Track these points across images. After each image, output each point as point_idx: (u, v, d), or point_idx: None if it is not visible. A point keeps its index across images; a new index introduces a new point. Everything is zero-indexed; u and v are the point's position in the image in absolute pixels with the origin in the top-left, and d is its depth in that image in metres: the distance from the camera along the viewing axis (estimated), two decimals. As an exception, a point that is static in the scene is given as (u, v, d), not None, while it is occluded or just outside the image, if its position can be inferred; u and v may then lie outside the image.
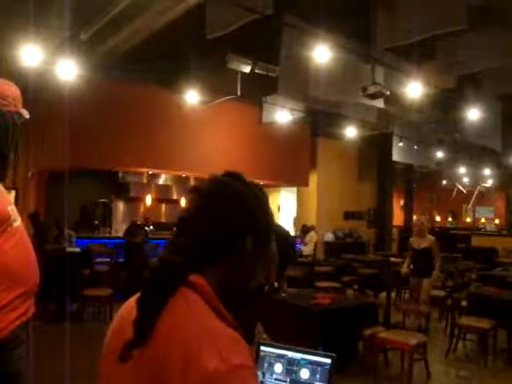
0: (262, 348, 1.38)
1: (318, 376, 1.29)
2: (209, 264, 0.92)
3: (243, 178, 1.00)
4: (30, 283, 1.82)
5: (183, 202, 12.29)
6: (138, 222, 10.06)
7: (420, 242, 6.69)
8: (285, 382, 1.33)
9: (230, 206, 0.93)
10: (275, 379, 1.34)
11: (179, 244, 0.92)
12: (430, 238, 6.73)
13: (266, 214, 0.99)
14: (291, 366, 1.33)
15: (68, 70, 7.18)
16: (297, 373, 1.32)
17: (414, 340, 4.81)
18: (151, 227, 11.64)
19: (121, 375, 0.88)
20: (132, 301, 0.98)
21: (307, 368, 1.31)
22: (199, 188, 0.98)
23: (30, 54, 6.40)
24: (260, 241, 0.96)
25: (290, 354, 1.35)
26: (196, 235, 0.92)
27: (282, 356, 1.35)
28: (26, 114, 1.91)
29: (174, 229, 0.97)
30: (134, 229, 9.25)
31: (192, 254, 0.90)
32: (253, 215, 0.95)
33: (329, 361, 1.29)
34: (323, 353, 1.31)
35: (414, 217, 18.40)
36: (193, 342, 0.81)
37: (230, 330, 0.85)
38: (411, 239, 6.91)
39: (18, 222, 1.83)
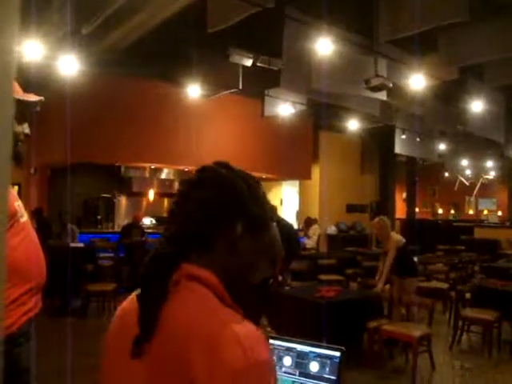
0: (271, 341, 1.38)
1: (327, 369, 1.29)
2: (203, 252, 0.91)
3: (230, 165, 1.00)
4: (37, 279, 1.82)
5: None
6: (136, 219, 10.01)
7: (386, 246, 6.20)
8: (294, 374, 1.33)
9: (216, 190, 0.94)
10: (284, 372, 1.34)
11: (170, 234, 0.93)
12: (393, 238, 6.13)
13: (256, 198, 0.98)
14: (300, 359, 1.33)
15: (69, 65, 7.17)
16: (306, 366, 1.32)
17: (418, 332, 4.82)
18: (153, 221, 11.66)
19: (131, 372, 0.87)
20: (133, 296, 0.98)
21: (316, 361, 1.31)
22: (187, 179, 0.99)
23: (31, 49, 6.39)
24: (252, 225, 0.95)
25: (299, 347, 1.34)
26: (184, 222, 0.92)
27: (291, 349, 1.35)
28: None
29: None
30: (128, 230, 9.27)
31: (182, 242, 0.91)
32: (240, 198, 0.95)
33: (338, 354, 1.29)
34: (332, 346, 1.31)
35: (417, 209, 18.43)
36: (212, 336, 0.80)
37: (247, 322, 0.85)
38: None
39: (24, 218, 1.83)
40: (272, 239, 1.00)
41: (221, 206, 0.93)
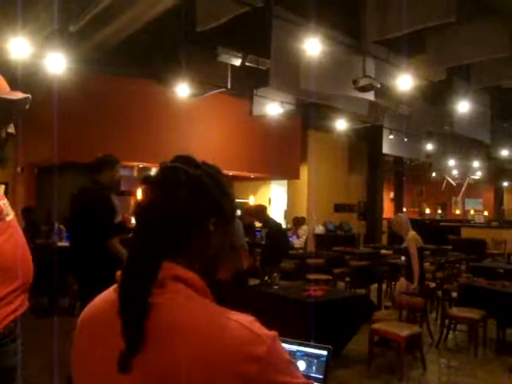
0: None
1: (314, 368, 1.29)
2: (178, 251, 0.89)
3: (194, 160, 0.97)
4: (23, 278, 1.80)
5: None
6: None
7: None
8: (281, 373, 1.33)
9: (186, 192, 0.89)
10: (271, 371, 1.34)
11: (142, 240, 0.88)
12: (411, 236, 6.26)
13: (225, 193, 0.97)
14: (287, 358, 1.33)
15: (57, 63, 7.10)
16: (293, 365, 1.32)
17: (407, 331, 4.85)
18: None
19: None
20: (108, 292, 0.94)
21: (303, 360, 1.31)
22: (151, 178, 0.93)
23: (17, 47, 6.33)
24: (223, 220, 0.95)
25: (286, 346, 1.35)
26: (157, 228, 0.87)
27: (279, 348, 1.35)
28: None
29: (134, 225, 0.92)
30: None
31: (156, 247, 0.86)
32: (211, 196, 0.93)
33: (325, 353, 1.30)
34: (319, 345, 1.31)
35: (404, 209, 18.52)
36: (218, 331, 0.80)
37: (239, 313, 0.85)
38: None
39: (10, 216, 1.80)
40: (235, 231, 1.00)
41: (193, 207, 0.90)
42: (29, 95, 1.81)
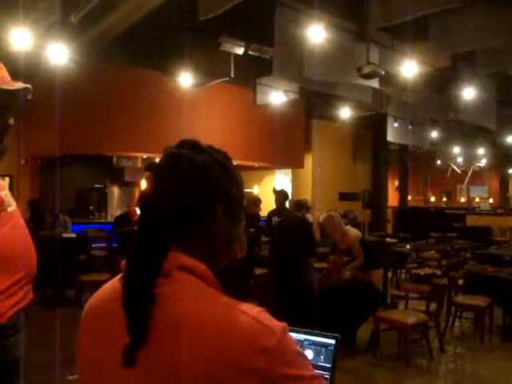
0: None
1: (322, 357, 1.28)
2: (183, 242, 0.86)
3: (200, 144, 0.94)
4: (27, 269, 1.79)
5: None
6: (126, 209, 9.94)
7: (342, 243, 5.99)
8: (289, 363, 1.32)
9: (190, 179, 0.87)
10: (279, 361, 1.33)
11: (146, 229, 0.86)
12: (351, 233, 5.93)
13: (233, 179, 0.94)
14: (295, 348, 1.32)
15: (59, 54, 7.07)
16: (300, 354, 1.31)
17: (412, 319, 4.85)
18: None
19: (128, 379, 0.81)
20: (112, 282, 0.92)
21: (311, 349, 1.30)
22: (156, 166, 0.90)
23: (18, 38, 6.29)
24: (231, 208, 0.92)
25: (294, 335, 1.33)
26: (162, 217, 0.85)
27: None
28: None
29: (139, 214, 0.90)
30: (121, 221, 9.23)
31: (160, 236, 0.84)
32: (217, 183, 0.90)
33: (333, 341, 1.28)
34: (327, 333, 1.30)
35: (409, 197, 18.49)
36: (229, 323, 0.78)
37: (248, 304, 0.83)
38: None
39: (12, 207, 1.79)
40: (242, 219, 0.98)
41: (198, 194, 0.87)
42: (29, 85, 1.77)
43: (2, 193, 1.76)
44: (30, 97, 1.80)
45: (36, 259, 1.86)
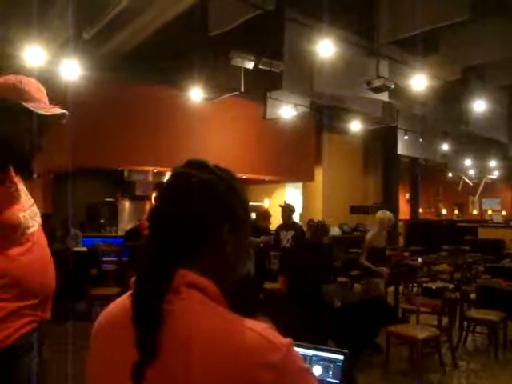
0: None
1: (330, 373, 1.28)
2: (193, 257, 0.88)
3: (207, 164, 0.96)
4: (43, 292, 1.75)
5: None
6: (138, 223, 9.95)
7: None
8: (297, 379, 1.32)
9: (197, 197, 0.89)
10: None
11: (155, 247, 0.88)
12: None
13: (239, 199, 0.95)
14: (303, 363, 1.32)
15: (71, 70, 7.18)
16: (309, 370, 1.31)
17: (424, 334, 4.79)
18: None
19: None
20: (122, 299, 0.94)
21: (319, 365, 1.30)
22: (164, 185, 0.93)
23: (32, 54, 6.40)
24: (237, 226, 0.94)
25: (302, 350, 1.33)
26: (170, 236, 0.88)
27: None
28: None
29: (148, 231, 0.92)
30: (132, 235, 9.25)
31: (170, 254, 0.86)
32: (223, 201, 0.91)
33: (341, 357, 1.28)
34: (336, 349, 1.30)
35: (420, 210, 18.36)
36: (237, 341, 0.79)
37: (254, 321, 0.84)
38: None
39: (33, 229, 1.77)
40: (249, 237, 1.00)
41: (205, 213, 0.89)
42: (65, 111, 1.78)
43: (21, 214, 1.73)
44: (64, 121, 1.81)
45: (55, 279, 1.83)
